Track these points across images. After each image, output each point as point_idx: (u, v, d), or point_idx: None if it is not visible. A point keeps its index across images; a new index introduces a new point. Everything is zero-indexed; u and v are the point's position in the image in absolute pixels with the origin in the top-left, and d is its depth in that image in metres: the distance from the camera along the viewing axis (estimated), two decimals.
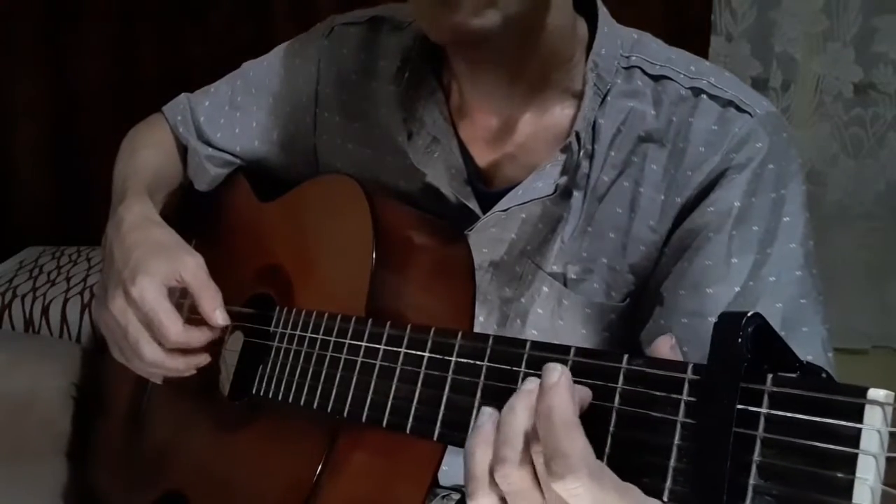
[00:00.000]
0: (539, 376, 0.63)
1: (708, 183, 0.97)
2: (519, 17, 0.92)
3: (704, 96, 0.99)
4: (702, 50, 2.46)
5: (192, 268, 1.03)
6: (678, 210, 0.99)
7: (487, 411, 0.65)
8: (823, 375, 0.54)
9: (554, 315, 1.06)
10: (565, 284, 1.05)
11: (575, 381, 0.62)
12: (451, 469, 1.11)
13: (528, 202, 1.02)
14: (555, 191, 1.01)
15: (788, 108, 2.52)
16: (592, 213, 1.03)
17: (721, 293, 0.95)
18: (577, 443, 0.57)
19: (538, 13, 0.96)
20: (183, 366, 1.02)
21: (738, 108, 0.98)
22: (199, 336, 1.01)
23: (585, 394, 0.62)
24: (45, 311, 2.01)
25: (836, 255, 2.54)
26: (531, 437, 0.60)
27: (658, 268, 1.01)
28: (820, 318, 0.95)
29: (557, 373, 0.60)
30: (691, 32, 2.46)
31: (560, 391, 0.59)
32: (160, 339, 1.00)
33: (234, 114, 1.29)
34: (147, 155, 1.29)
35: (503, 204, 1.03)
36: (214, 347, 1.04)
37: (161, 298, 1.00)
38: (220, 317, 1.01)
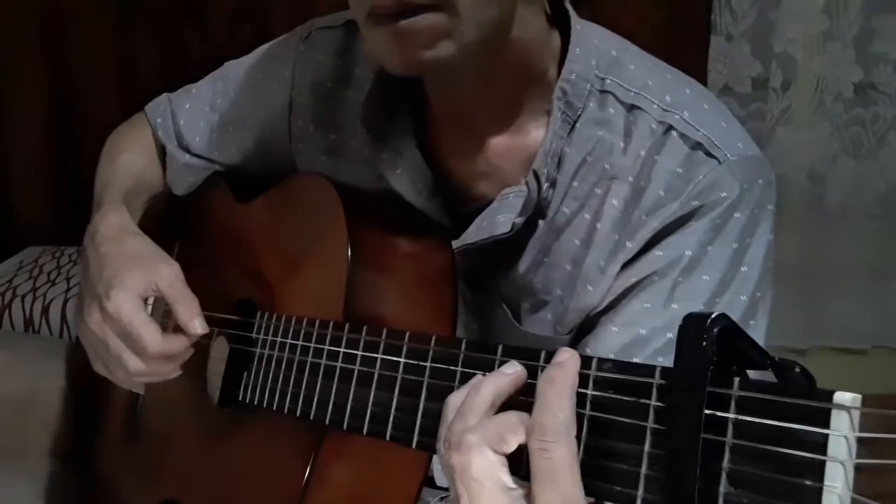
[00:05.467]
0: None
1: (663, 231, 0.93)
2: (477, 44, 0.86)
3: (674, 133, 0.94)
4: (702, 50, 2.46)
5: (167, 277, 1.01)
6: (628, 255, 0.96)
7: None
8: (797, 370, 0.53)
9: (507, 340, 1.03)
10: (518, 316, 1.04)
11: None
12: None
13: (488, 239, 0.99)
14: (511, 229, 0.97)
15: (788, 108, 2.52)
16: (550, 245, 1.00)
17: (653, 335, 0.93)
18: (567, 405, 0.59)
19: (500, 34, 0.90)
20: (168, 369, 1.01)
21: (707, 153, 0.92)
22: (178, 342, 0.99)
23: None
24: (45, 311, 2.02)
25: (836, 255, 2.54)
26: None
27: (601, 303, 0.99)
28: None
29: (568, 353, 0.62)
30: (691, 32, 2.45)
31: (567, 365, 0.61)
32: (139, 351, 0.98)
33: (214, 116, 1.27)
34: (128, 159, 1.27)
35: (470, 235, 1.00)
36: (200, 350, 1.04)
37: (137, 311, 0.98)
38: (197, 325, 0.99)
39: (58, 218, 2.59)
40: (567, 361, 0.61)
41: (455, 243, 1.01)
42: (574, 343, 1.02)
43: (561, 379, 0.60)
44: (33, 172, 2.61)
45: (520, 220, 0.97)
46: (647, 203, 0.94)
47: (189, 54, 2.49)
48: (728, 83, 2.54)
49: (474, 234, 1.00)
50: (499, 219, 0.98)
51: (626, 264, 0.96)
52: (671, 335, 0.88)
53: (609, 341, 0.95)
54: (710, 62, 2.48)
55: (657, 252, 0.94)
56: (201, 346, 1.05)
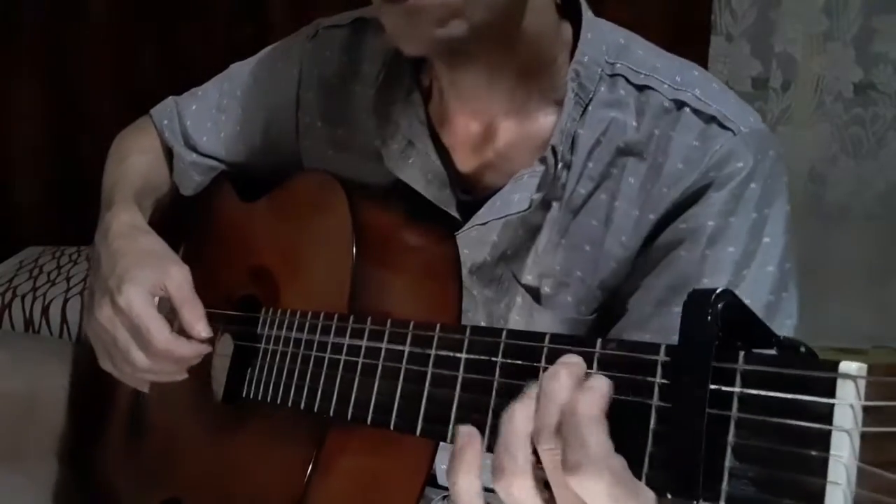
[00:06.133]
0: (514, 365, 0.66)
1: (683, 201, 0.95)
2: (488, 25, 0.89)
3: (687, 109, 0.96)
4: (702, 50, 2.46)
5: (176, 279, 1.02)
6: (651, 227, 0.97)
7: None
8: (802, 350, 0.53)
9: (528, 325, 1.04)
10: (538, 299, 1.03)
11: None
12: None
13: (503, 217, 1.00)
14: (529, 206, 0.98)
15: (788, 108, 2.52)
16: (567, 226, 1.01)
17: None
18: (598, 437, 0.56)
19: (512, 19, 0.93)
20: (173, 370, 1.02)
21: (721, 125, 0.94)
22: (185, 346, 1.00)
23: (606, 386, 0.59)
24: (45, 311, 2.01)
25: (836, 255, 2.53)
26: (542, 441, 0.59)
27: (627, 282, 0.99)
28: None
29: (600, 380, 0.59)
30: (691, 32, 2.46)
31: (593, 390, 0.58)
32: (146, 346, 0.99)
33: (220, 117, 1.28)
34: (135, 161, 1.28)
35: (482, 216, 1.01)
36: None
37: (148, 306, 1.00)
38: (202, 329, 1.00)
39: (58, 218, 2.60)
40: (592, 387, 0.59)
41: (461, 230, 1.02)
42: (600, 324, 1.03)
43: (584, 402, 0.58)
44: (33, 172, 2.62)
45: (537, 196, 0.98)
46: (666, 177, 0.95)
47: (189, 54, 2.49)
48: (728, 83, 2.53)
49: (485, 215, 1.01)
50: (514, 198, 0.99)
51: (650, 239, 0.97)
52: None
53: (645, 322, 0.95)
54: (710, 62, 2.48)
55: (680, 225, 0.95)
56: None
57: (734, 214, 0.93)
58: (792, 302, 0.95)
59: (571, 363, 0.61)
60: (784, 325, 0.94)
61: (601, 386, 0.58)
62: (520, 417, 0.61)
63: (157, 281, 1.02)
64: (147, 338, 0.98)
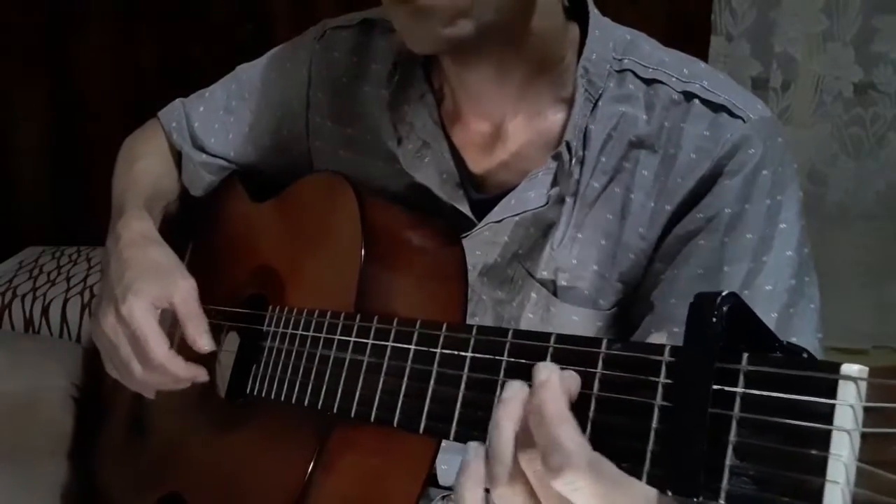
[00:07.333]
0: (519, 364, 0.66)
1: (699, 190, 0.96)
2: (495, 25, 0.91)
3: (697, 101, 0.97)
4: (702, 50, 2.47)
5: (182, 292, 1.03)
6: (668, 217, 0.98)
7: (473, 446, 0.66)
8: (805, 356, 0.54)
9: (543, 321, 1.05)
10: (555, 292, 1.04)
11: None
12: (450, 469, 1.10)
13: (520, 213, 1.01)
14: (547, 202, 1.00)
15: (788, 108, 2.52)
16: (582, 220, 1.02)
17: None
18: (570, 434, 0.57)
19: (520, 19, 0.95)
20: (172, 382, 1.02)
21: (731, 114, 0.96)
22: (180, 367, 1.00)
23: (574, 382, 0.61)
24: (45, 311, 2.01)
25: (836, 255, 2.53)
26: (520, 447, 0.60)
27: (648, 275, 1.00)
28: (812, 328, 0.94)
29: (547, 371, 0.61)
30: (691, 32, 2.46)
31: (550, 386, 0.59)
32: (144, 358, 0.99)
33: (228, 118, 1.29)
34: (144, 165, 1.28)
35: (497, 214, 1.02)
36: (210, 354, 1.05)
37: (149, 319, 1.00)
38: (205, 343, 1.01)
39: (58, 218, 2.60)
40: (546, 381, 0.60)
41: (475, 228, 1.03)
42: (622, 319, 1.03)
43: (549, 402, 0.59)
44: (33, 173, 2.62)
45: (554, 191, 0.99)
46: (680, 167, 0.97)
47: (190, 54, 2.50)
48: None
49: (501, 213, 1.02)
50: (530, 195, 1.00)
51: (667, 230, 0.98)
52: None
53: (671, 314, 0.96)
54: (710, 62, 2.47)
55: (698, 214, 0.96)
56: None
57: (749, 201, 0.94)
58: (814, 287, 0.96)
59: (536, 371, 0.62)
60: (808, 310, 0.94)
61: (554, 380, 0.60)
62: (504, 421, 0.62)
63: (162, 294, 1.02)
64: (145, 349, 0.99)
